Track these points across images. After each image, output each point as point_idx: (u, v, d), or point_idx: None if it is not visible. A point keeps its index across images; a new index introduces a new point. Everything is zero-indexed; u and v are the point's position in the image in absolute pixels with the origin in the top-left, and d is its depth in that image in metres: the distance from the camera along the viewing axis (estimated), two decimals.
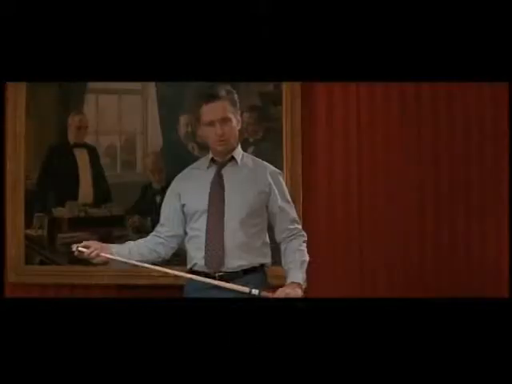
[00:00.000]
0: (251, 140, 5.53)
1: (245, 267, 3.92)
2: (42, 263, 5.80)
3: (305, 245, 4.02)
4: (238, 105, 3.88)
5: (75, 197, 5.80)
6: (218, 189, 4.02)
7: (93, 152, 5.79)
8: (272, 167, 4.15)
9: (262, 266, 4.02)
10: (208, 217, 3.99)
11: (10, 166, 5.72)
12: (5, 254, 5.71)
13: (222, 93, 3.75)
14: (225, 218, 3.92)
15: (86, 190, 5.79)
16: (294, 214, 4.08)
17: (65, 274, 5.75)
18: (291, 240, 3.98)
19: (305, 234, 4.10)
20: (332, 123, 5.62)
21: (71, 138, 5.78)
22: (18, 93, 5.70)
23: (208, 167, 4.11)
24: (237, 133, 3.96)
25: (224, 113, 3.78)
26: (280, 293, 3.54)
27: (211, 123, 3.83)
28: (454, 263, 5.69)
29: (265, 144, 5.54)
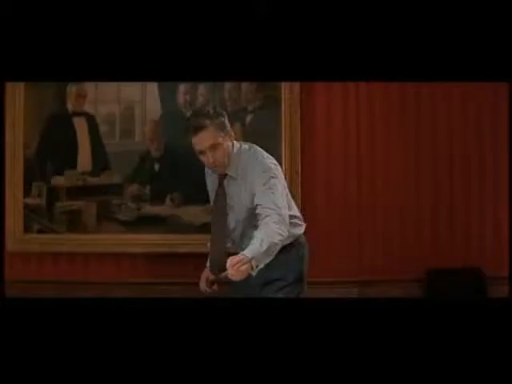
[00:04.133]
0: (250, 108, 5.52)
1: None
2: (40, 232, 5.79)
3: (274, 226, 3.73)
4: (226, 125, 3.93)
5: (74, 165, 5.77)
6: (221, 199, 4.10)
7: (92, 121, 5.76)
8: (266, 164, 4.00)
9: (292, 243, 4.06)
10: (212, 223, 4.13)
11: (8, 135, 5.69)
12: (4, 223, 5.70)
13: (207, 122, 3.82)
14: (228, 220, 4.01)
15: (84, 158, 5.77)
16: (272, 198, 3.90)
17: (63, 243, 5.74)
18: (262, 219, 3.83)
19: (282, 220, 3.83)
20: (332, 90, 5.62)
21: (70, 106, 5.76)
22: None
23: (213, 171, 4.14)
24: (230, 151, 3.96)
25: (212, 140, 3.85)
26: (227, 271, 3.48)
27: (202, 152, 3.91)
28: (452, 240, 5.74)
29: (263, 112, 5.52)
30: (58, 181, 5.79)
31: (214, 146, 3.85)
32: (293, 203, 4.15)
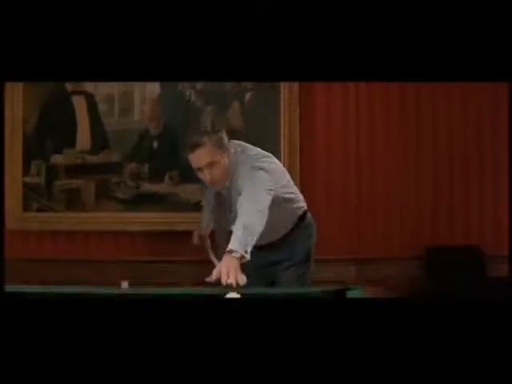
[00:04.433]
0: (249, 86, 5.51)
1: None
2: (39, 210, 5.79)
3: (254, 209, 3.67)
4: (224, 141, 3.90)
5: (73, 144, 5.77)
6: (221, 201, 4.10)
7: (91, 99, 5.75)
8: (255, 162, 3.92)
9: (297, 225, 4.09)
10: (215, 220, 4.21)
11: (8, 112, 5.67)
12: (3, 202, 5.70)
13: (204, 139, 3.81)
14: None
15: (83, 137, 5.76)
16: (255, 188, 3.86)
17: (62, 221, 5.75)
18: (240, 205, 3.85)
19: (262, 201, 3.74)
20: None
21: (69, 85, 5.75)
22: None
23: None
24: (226, 167, 3.90)
25: (209, 158, 3.82)
26: (215, 272, 3.47)
27: (199, 169, 3.89)
28: (451, 218, 5.77)
29: (263, 91, 5.51)
30: (57, 159, 5.78)
31: (212, 164, 3.83)
32: (292, 183, 4.13)
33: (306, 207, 4.17)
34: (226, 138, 3.89)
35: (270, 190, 3.76)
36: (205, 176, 3.85)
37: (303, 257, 4.11)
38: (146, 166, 5.67)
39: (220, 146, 3.83)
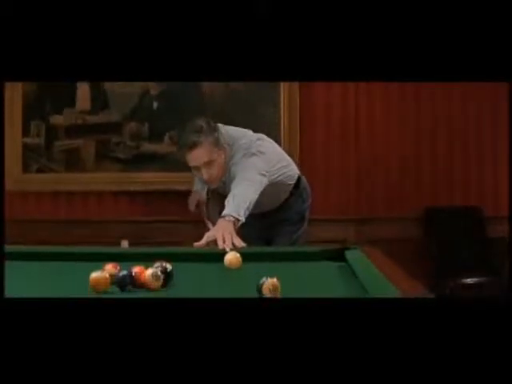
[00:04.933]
0: None
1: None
2: (39, 171, 5.80)
3: (243, 181, 3.75)
4: (220, 139, 3.88)
5: (73, 104, 5.75)
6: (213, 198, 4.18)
7: None
8: (246, 150, 3.93)
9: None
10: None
11: None
12: (2, 163, 5.70)
13: (201, 138, 3.80)
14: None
15: (83, 97, 5.75)
16: (246, 172, 3.91)
17: (62, 182, 5.75)
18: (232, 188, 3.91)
19: (251, 178, 3.79)
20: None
21: None
22: None
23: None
24: (223, 165, 3.90)
25: (206, 157, 3.81)
26: (206, 237, 3.50)
27: (196, 168, 3.89)
28: (451, 180, 5.80)
29: None
30: (57, 120, 5.77)
31: (209, 163, 3.83)
32: (285, 155, 4.17)
33: (299, 172, 4.20)
34: (221, 137, 3.89)
35: (264, 173, 3.80)
36: (203, 174, 3.86)
37: (299, 218, 4.19)
38: (146, 125, 5.66)
39: (216, 144, 3.84)
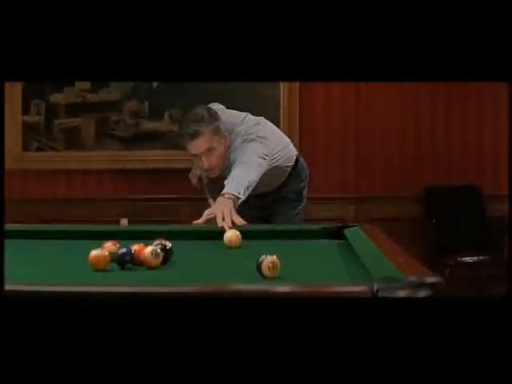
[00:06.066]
0: None
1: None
2: (38, 149, 5.80)
3: (240, 164, 3.77)
4: (221, 128, 3.87)
5: (72, 82, 5.73)
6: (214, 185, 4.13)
7: None
8: (244, 136, 3.93)
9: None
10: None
11: None
12: (2, 141, 5.69)
13: (202, 128, 3.80)
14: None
15: None
16: (245, 156, 3.94)
17: (61, 160, 5.75)
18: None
19: (249, 161, 3.81)
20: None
21: None
22: None
23: None
24: (224, 154, 3.91)
25: (207, 145, 3.82)
26: (205, 215, 3.51)
27: (197, 156, 3.90)
28: (450, 159, 5.80)
29: None
30: (57, 98, 5.77)
31: (210, 150, 3.84)
32: (283, 137, 4.18)
33: (297, 153, 4.22)
34: (221, 125, 3.89)
35: (264, 156, 3.81)
36: (203, 163, 3.87)
37: (297, 196, 4.22)
38: (146, 104, 5.65)
39: (217, 132, 3.85)
